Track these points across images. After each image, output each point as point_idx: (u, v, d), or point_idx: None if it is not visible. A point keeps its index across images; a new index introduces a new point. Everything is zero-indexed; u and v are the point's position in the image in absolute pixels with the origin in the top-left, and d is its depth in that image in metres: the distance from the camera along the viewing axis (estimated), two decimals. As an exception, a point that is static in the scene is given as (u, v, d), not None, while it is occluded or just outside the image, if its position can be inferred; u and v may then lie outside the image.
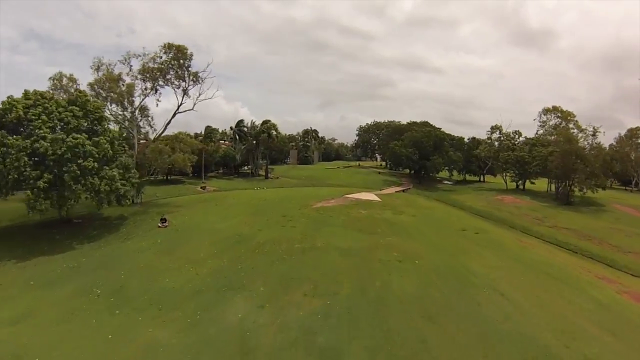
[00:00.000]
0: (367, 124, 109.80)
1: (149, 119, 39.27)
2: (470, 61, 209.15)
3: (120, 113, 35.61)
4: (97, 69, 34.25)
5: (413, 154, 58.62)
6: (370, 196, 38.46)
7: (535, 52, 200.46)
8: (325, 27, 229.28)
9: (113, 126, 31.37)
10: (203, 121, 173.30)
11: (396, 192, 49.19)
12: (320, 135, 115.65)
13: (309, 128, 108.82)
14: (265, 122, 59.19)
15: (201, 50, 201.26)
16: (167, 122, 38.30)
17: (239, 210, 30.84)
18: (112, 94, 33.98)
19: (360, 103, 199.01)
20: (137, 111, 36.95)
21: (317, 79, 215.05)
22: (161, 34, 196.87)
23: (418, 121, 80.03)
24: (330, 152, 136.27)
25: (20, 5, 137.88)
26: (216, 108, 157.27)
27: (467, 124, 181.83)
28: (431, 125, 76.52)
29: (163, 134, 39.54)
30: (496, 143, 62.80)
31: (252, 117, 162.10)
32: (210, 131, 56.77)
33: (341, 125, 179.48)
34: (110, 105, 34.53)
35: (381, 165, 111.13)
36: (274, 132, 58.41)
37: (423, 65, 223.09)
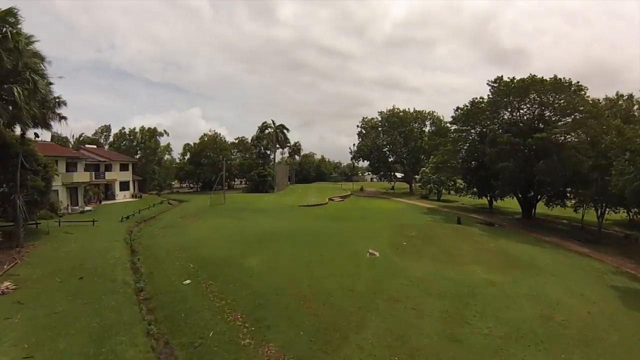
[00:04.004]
0: (381, 112, 60.21)
1: None
2: (447, 80, 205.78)
3: None
4: None
5: None
6: None
7: (509, 71, 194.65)
8: (306, 46, 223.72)
9: None
10: (181, 140, 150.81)
11: None
12: (290, 138, 64.67)
13: (270, 121, 57.40)
14: None
15: (181, 68, 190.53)
16: None
17: None
18: None
19: (338, 122, 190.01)
20: None
21: (296, 99, 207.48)
22: (141, 50, 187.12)
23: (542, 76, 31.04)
24: (309, 169, 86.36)
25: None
26: (194, 128, 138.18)
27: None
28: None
29: None
30: None
31: (231, 137, 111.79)
32: None
33: (319, 146, 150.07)
34: None
35: (393, 188, 63.21)
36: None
37: (401, 84, 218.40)
